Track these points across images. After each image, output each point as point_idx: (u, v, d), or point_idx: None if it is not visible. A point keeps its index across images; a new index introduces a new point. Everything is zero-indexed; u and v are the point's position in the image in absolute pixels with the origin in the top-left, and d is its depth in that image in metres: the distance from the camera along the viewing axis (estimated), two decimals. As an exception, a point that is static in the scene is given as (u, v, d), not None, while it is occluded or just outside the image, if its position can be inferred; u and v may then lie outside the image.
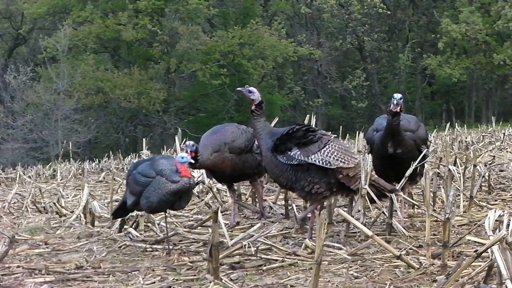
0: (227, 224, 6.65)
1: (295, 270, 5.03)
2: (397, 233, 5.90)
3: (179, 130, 10.35)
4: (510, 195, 7.97)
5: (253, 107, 6.09)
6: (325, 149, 5.71)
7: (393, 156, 6.35)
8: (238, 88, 6.42)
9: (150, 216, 6.60)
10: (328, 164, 5.66)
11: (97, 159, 18.58)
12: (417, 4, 46.47)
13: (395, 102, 6.17)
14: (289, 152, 5.73)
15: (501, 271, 3.74)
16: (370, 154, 6.54)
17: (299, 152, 5.70)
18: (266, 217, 7.16)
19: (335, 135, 6.07)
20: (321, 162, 5.66)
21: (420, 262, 4.86)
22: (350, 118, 46.32)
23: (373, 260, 5.16)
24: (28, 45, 45.76)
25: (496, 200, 7.74)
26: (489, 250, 3.89)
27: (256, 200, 7.51)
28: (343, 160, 5.69)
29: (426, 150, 6.48)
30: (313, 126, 6.09)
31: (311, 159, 5.67)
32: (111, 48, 43.13)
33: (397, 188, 6.09)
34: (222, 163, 6.65)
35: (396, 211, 6.09)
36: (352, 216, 5.65)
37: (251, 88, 6.19)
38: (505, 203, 7.49)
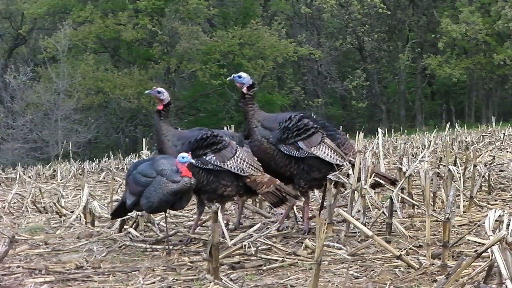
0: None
1: (295, 270, 5.03)
2: (397, 233, 5.90)
3: (179, 130, 10.33)
4: (510, 195, 7.97)
5: (160, 107, 6.13)
6: (237, 154, 5.98)
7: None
8: (147, 91, 6.46)
9: (150, 216, 6.60)
10: (242, 172, 5.94)
11: (97, 159, 18.61)
12: (417, 4, 46.45)
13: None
14: (205, 157, 5.93)
15: (501, 271, 3.73)
16: None
17: (214, 158, 5.95)
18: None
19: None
20: (235, 169, 5.94)
21: (420, 262, 4.85)
22: (350, 118, 46.27)
23: (373, 260, 5.15)
24: (28, 45, 45.74)
25: (496, 200, 7.74)
26: (489, 250, 3.89)
27: (256, 200, 7.53)
28: (253, 168, 5.99)
29: (295, 152, 6.09)
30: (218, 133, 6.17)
31: (227, 165, 5.93)
32: (111, 48, 43.11)
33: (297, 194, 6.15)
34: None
35: (396, 211, 6.09)
36: (352, 216, 5.64)
37: (159, 89, 6.23)
38: (505, 203, 7.48)
